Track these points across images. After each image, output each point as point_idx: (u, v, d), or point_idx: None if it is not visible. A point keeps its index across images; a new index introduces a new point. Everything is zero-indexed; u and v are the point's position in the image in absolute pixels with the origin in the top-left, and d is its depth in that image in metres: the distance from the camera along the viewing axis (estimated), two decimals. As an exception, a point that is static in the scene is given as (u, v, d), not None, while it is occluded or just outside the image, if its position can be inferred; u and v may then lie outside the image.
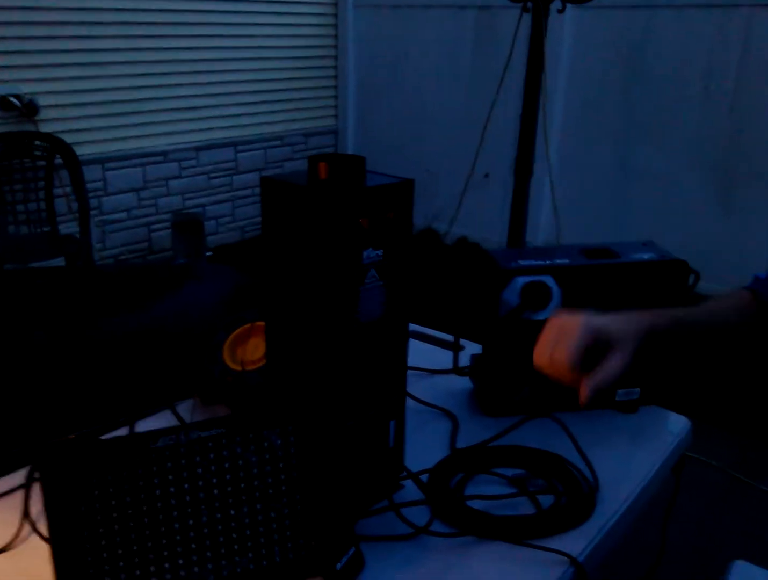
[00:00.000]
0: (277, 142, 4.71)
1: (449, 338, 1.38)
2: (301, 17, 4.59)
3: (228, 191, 4.48)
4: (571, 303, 1.13)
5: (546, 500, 0.98)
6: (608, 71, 3.78)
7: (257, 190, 4.67)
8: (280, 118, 4.69)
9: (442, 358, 1.34)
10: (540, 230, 3.95)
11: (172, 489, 0.77)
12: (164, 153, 4.08)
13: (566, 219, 3.90)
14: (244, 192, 4.57)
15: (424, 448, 1.08)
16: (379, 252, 0.86)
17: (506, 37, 2.81)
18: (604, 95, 3.82)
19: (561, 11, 2.50)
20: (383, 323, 0.89)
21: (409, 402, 1.19)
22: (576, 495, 0.97)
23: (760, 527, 2.26)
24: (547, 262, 1.13)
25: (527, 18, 2.56)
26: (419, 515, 0.93)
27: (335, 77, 4.96)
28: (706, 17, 3.42)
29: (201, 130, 4.26)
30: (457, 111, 4.30)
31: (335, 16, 4.78)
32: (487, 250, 1.20)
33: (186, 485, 0.78)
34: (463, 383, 1.27)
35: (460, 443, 1.10)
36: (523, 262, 1.13)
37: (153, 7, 3.81)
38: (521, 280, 1.10)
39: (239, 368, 1.18)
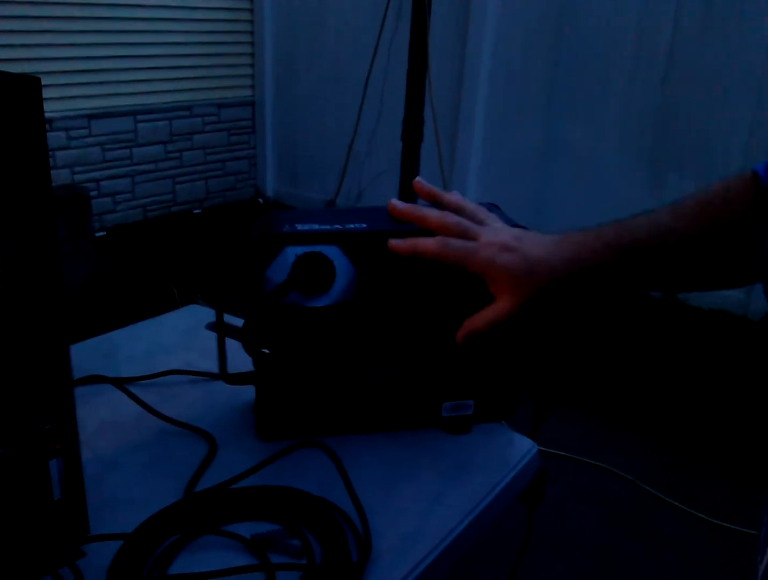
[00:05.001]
0: (185, 113, 4.31)
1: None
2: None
3: (127, 165, 4.08)
4: (368, 283, 0.81)
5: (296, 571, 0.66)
6: (534, 37, 3.48)
7: (161, 164, 4.29)
8: (188, 86, 4.29)
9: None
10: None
11: None
12: (49, 121, 3.65)
13: (486, 194, 3.61)
14: (146, 166, 4.16)
15: (150, 491, 0.75)
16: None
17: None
18: (530, 63, 3.52)
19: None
20: (5, 308, 0.56)
21: (151, 422, 0.87)
22: (336, 566, 0.65)
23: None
24: (336, 226, 0.81)
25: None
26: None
27: (251, 44, 4.57)
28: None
29: (94, 96, 3.84)
30: (379, 81, 3.96)
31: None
32: (271, 212, 0.88)
33: None
34: (246, 392, 0.94)
35: (211, 480, 0.78)
36: (301, 227, 0.80)
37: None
38: (293, 250, 0.78)
39: None
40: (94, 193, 3.90)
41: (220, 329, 0.86)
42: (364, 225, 0.82)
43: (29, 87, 0.56)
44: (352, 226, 0.81)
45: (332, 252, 0.79)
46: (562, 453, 2.30)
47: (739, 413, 2.53)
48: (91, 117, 3.85)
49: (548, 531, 1.96)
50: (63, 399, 0.63)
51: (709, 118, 3.06)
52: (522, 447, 0.87)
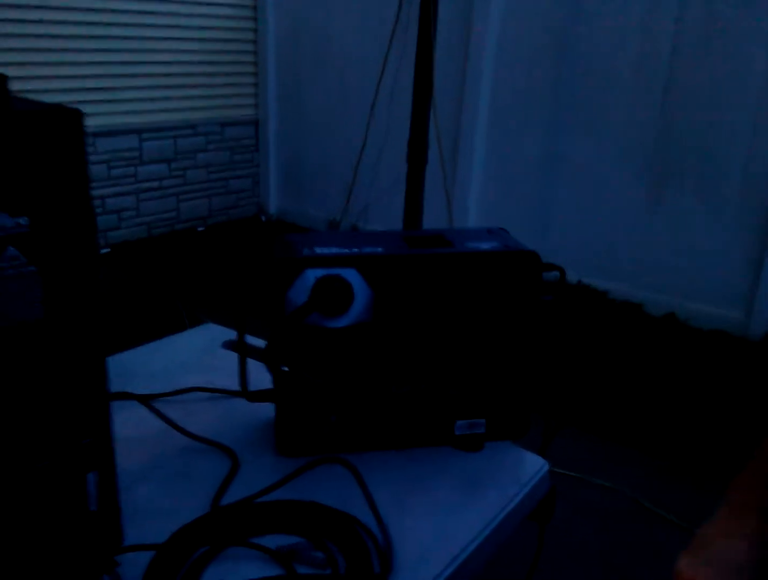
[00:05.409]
0: (189, 132, 4.36)
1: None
2: (215, -4, 4.26)
3: (132, 183, 4.12)
4: (384, 305, 0.84)
5: (321, 583, 0.69)
6: (538, 54, 3.54)
7: (165, 182, 4.34)
8: (193, 105, 4.34)
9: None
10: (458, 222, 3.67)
11: None
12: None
13: (488, 211, 3.66)
14: (150, 184, 4.21)
15: (177, 504, 0.78)
16: (23, 220, 0.56)
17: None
18: (533, 79, 3.57)
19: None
20: (46, 329, 0.59)
21: (175, 438, 0.90)
22: (359, 577, 0.68)
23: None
24: (354, 250, 0.84)
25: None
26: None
27: (255, 63, 4.63)
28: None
29: (99, 114, 3.89)
30: (385, 99, 4.01)
31: (254, -4, 4.47)
32: (285, 236, 0.91)
33: None
34: (266, 409, 0.97)
35: (235, 495, 0.81)
36: (320, 251, 0.84)
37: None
38: (313, 273, 0.81)
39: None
40: (99, 210, 3.94)
41: (241, 348, 0.89)
42: (380, 248, 0.85)
43: (71, 119, 0.60)
44: (369, 249, 0.85)
45: (350, 275, 0.82)
46: (567, 472, 2.32)
47: (740, 432, 2.56)
48: (96, 135, 3.89)
49: (553, 546, 1.98)
50: (100, 415, 0.66)
51: (708, 134, 3.11)
52: (534, 465, 0.90)
